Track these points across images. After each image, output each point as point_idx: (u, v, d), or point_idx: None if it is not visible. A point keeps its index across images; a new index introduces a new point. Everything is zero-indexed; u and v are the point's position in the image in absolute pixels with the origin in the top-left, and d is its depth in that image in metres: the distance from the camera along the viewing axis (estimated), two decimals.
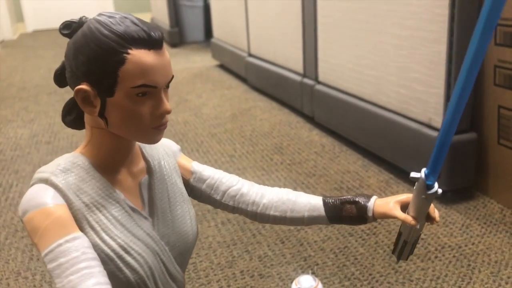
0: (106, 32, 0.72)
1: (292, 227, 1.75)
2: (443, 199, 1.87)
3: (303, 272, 1.48)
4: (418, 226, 0.84)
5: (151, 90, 0.74)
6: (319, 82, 2.68)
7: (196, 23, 5.85)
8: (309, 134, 2.69)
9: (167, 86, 0.77)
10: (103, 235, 0.76)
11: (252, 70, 3.63)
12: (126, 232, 0.78)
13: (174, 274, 0.86)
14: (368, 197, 0.90)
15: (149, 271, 0.80)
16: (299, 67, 2.88)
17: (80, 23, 0.77)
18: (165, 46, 0.77)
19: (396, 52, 1.98)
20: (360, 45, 2.22)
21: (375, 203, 0.89)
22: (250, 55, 3.67)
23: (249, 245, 1.66)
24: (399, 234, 0.90)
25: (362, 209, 0.89)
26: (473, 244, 1.59)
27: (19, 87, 4.18)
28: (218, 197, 0.94)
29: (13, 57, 5.74)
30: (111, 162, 0.80)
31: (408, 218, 0.83)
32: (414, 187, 0.80)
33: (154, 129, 0.76)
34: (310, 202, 0.93)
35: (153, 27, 0.75)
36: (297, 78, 2.89)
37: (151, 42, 0.73)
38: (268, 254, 1.60)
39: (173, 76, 0.78)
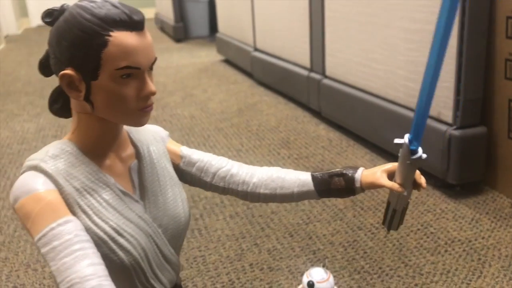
0: (87, 16, 0.73)
1: (300, 221, 1.74)
2: (452, 194, 1.86)
3: (312, 265, 1.48)
4: (405, 193, 0.85)
5: (135, 72, 0.75)
6: (326, 77, 2.67)
7: (201, 18, 5.83)
8: (316, 128, 2.68)
9: (151, 68, 0.78)
10: (95, 218, 0.76)
11: (258, 65, 3.62)
12: (118, 215, 0.79)
13: (168, 256, 0.87)
14: (355, 169, 0.92)
15: (143, 252, 0.81)
16: (306, 62, 2.87)
17: (61, 10, 0.78)
18: (147, 28, 0.78)
19: (405, 45, 1.97)
20: (368, 39, 2.21)
21: (363, 174, 0.90)
22: (256, 49, 3.66)
23: (257, 238, 1.65)
24: (388, 203, 0.91)
25: (350, 180, 0.90)
26: (483, 238, 1.59)
27: (25, 82, 4.19)
28: (208, 179, 0.95)
29: (18, 52, 5.74)
30: (100, 147, 0.81)
31: (395, 185, 0.85)
32: (399, 154, 0.81)
33: (140, 111, 0.77)
34: (299, 178, 0.94)
35: (134, 9, 0.76)
36: (304, 72, 2.88)
37: (132, 24, 0.74)
38: (277, 247, 1.60)
39: (156, 58, 0.79)
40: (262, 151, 2.41)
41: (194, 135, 2.70)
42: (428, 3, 1.81)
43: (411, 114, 1.98)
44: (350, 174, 0.91)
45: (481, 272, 1.42)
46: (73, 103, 0.80)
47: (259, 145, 2.50)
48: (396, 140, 0.79)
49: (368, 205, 1.83)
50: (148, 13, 7.68)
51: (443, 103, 1.81)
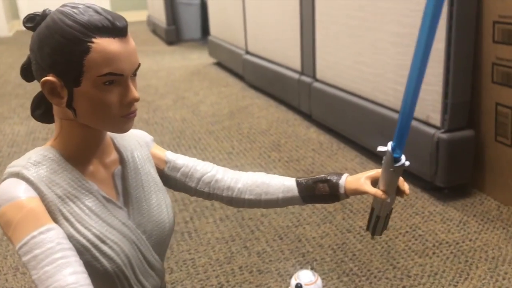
0: (69, 22, 0.72)
1: (290, 223, 1.75)
2: (441, 196, 1.88)
3: (302, 268, 1.49)
4: (389, 200, 0.86)
5: (118, 78, 0.74)
6: (316, 80, 2.69)
7: (193, 20, 5.84)
8: (306, 131, 2.69)
9: (135, 74, 0.78)
10: (78, 225, 0.76)
11: (249, 68, 3.63)
12: (101, 222, 0.79)
13: (152, 263, 0.87)
14: (340, 175, 0.92)
15: (126, 259, 0.80)
16: (297, 65, 2.88)
17: (43, 15, 0.77)
18: (130, 34, 0.77)
19: (395, 49, 1.99)
20: (358, 43, 2.23)
21: (347, 180, 0.91)
22: (248, 52, 3.67)
23: (247, 241, 1.66)
24: (372, 210, 0.92)
25: (334, 186, 0.91)
26: (470, 240, 1.60)
27: (16, 84, 4.16)
28: (193, 185, 0.95)
29: (9, 54, 5.71)
30: (82, 153, 0.81)
31: (378, 192, 0.85)
32: (382, 161, 0.82)
33: (123, 117, 0.77)
34: (284, 184, 0.95)
35: (117, 15, 0.75)
36: (295, 75, 2.90)
37: (115, 30, 0.73)
38: (267, 250, 1.60)
39: (139, 64, 0.78)
40: (253, 154, 2.41)
41: (185, 138, 2.70)
42: (417, 8, 1.83)
43: None
44: (334, 180, 0.91)
45: (468, 274, 1.44)
46: (56, 110, 0.79)
47: (250, 148, 2.50)
48: (380, 148, 0.80)
49: (357, 207, 1.84)
50: (140, 16, 7.67)
51: (431, 107, 1.83)
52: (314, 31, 2.61)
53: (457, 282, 1.41)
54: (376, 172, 0.89)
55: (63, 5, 0.76)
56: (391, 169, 0.80)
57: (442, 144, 1.80)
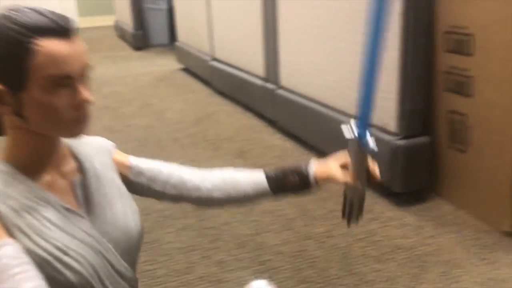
0: (11, 25, 0.70)
1: (252, 231, 1.76)
2: (398, 201, 1.92)
3: (256, 277, 1.49)
4: (360, 186, 0.88)
5: (66, 81, 0.73)
6: (280, 87, 2.71)
7: (160, 26, 5.80)
8: (271, 138, 2.71)
9: (86, 76, 0.76)
10: (37, 238, 0.73)
11: (216, 74, 3.64)
12: (62, 233, 0.76)
13: (122, 272, 0.84)
14: (307, 164, 0.94)
15: (93, 270, 0.78)
16: (261, 72, 2.90)
17: None
18: (78, 35, 0.75)
19: (352, 58, 2.02)
20: (319, 51, 2.26)
21: (316, 169, 0.93)
22: (214, 59, 3.68)
23: (208, 251, 1.66)
24: (345, 197, 0.93)
25: (305, 177, 0.93)
26: (425, 245, 1.64)
27: None
28: (159, 188, 0.93)
29: None
30: (37, 163, 0.78)
31: (349, 179, 0.88)
32: (348, 147, 0.84)
33: (75, 120, 0.75)
34: (252, 178, 0.95)
35: (62, 16, 0.74)
36: (259, 82, 2.92)
37: (60, 31, 0.72)
38: (227, 259, 1.61)
39: (90, 66, 0.76)
40: (218, 162, 2.42)
41: (149, 146, 2.68)
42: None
43: None
44: (304, 171, 0.92)
45: (423, 279, 1.47)
46: (5, 119, 0.77)
47: (215, 155, 2.51)
48: (346, 135, 0.80)
49: (320, 213, 1.86)
50: (108, 21, 7.58)
51: (388, 114, 1.87)
52: (277, 38, 2.64)
53: (412, 287, 1.44)
54: (345, 158, 0.90)
55: (7, 9, 0.74)
56: (358, 154, 0.81)
57: (399, 151, 1.84)
